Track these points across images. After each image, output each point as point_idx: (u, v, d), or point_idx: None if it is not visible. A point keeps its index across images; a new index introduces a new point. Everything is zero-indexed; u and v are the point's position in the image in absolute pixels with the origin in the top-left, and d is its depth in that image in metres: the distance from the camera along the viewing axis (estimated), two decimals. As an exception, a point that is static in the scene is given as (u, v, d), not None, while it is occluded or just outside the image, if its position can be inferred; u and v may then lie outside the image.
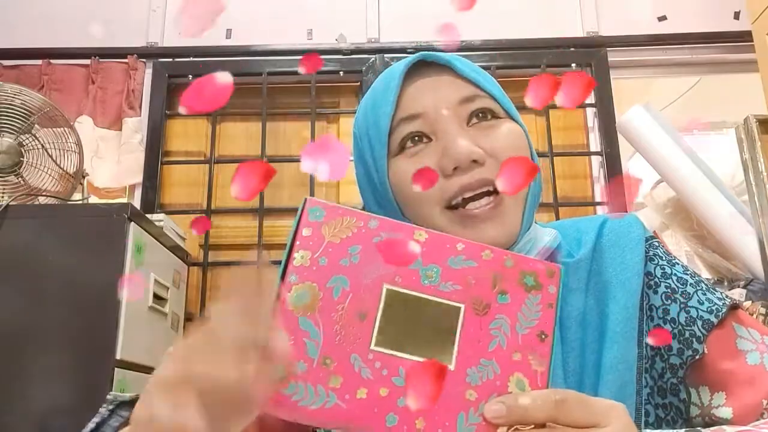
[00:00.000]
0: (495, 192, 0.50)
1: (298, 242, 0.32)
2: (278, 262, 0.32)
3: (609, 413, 0.31)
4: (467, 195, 0.49)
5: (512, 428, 0.29)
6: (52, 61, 1.89)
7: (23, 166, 1.36)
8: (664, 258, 0.55)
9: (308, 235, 0.32)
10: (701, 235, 1.74)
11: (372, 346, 0.30)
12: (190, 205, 1.92)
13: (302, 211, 0.33)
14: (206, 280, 1.82)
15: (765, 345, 0.50)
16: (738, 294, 1.56)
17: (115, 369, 1.26)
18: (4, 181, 1.35)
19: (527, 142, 0.54)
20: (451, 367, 0.30)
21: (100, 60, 1.89)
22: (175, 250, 1.62)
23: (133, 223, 1.35)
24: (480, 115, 0.52)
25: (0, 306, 1.26)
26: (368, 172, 0.55)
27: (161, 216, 1.58)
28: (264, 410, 0.29)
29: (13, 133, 1.34)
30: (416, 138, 0.52)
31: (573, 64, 1.98)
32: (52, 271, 1.28)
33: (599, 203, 1.90)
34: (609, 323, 0.50)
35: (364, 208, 0.60)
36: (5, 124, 1.33)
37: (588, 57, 1.98)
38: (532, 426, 0.29)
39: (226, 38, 2.01)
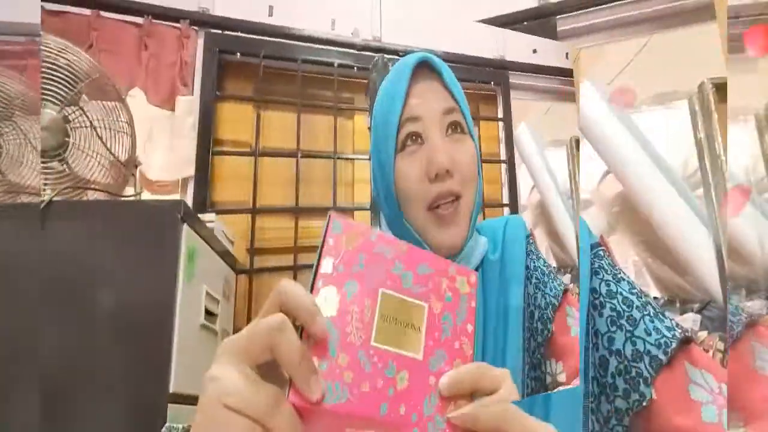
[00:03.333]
0: (456, 199, 0.56)
1: (324, 250, 0.35)
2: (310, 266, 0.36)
3: (504, 379, 0.35)
4: (440, 203, 0.56)
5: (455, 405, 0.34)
6: (102, 12, 1.52)
7: (69, 149, 1.03)
8: (609, 272, 0.55)
9: (332, 245, 0.35)
10: (650, 242, 1.55)
11: (372, 343, 0.33)
12: (237, 204, 1.64)
13: (328, 224, 0.36)
14: (252, 289, 1.57)
15: (722, 396, 0.45)
16: (691, 320, 1.40)
17: (169, 405, 1.02)
18: (47, 168, 1.01)
19: (478, 159, 0.59)
20: (420, 357, 0.35)
21: (153, 21, 1.54)
22: (225, 255, 1.36)
23: (186, 224, 1.10)
24: (454, 127, 0.57)
25: (41, 329, 0.96)
26: (381, 166, 0.57)
27: (212, 216, 1.31)
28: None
29: (57, 104, 1.00)
30: (414, 137, 0.56)
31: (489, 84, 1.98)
32: (99, 283, 1.01)
33: (504, 205, 1.93)
34: (510, 311, 0.55)
35: (374, 202, 0.61)
36: (48, 90, 0.99)
37: (498, 78, 2.00)
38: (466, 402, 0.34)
39: (269, 15, 1.74)
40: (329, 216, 0.36)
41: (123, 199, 1.14)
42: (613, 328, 0.51)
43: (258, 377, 0.31)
